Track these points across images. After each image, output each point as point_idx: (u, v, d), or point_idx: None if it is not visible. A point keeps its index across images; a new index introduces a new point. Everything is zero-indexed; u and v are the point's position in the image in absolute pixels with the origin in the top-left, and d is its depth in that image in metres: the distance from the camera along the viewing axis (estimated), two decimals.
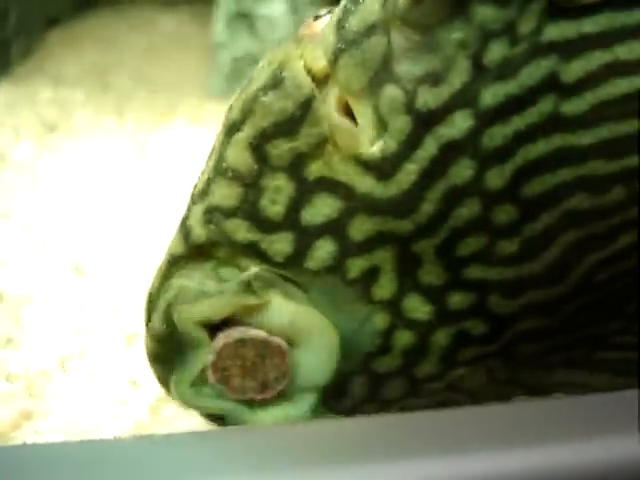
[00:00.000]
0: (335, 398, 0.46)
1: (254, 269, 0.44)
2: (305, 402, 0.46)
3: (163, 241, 0.63)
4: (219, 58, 0.90)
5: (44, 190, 0.74)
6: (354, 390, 0.47)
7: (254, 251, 0.45)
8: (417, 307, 0.46)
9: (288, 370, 0.44)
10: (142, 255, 0.66)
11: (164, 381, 0.45)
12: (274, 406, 0.45)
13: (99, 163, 0.78)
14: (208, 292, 0.44)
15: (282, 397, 0.45)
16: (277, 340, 0.43)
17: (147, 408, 0.49)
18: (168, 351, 0.44)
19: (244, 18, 0.87)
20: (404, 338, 0.46)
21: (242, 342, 0.43)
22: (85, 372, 0.53)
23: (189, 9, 1.09)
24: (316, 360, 0.45)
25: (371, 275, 0.45)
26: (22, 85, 0.97)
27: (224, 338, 0.43)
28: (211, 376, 0.43)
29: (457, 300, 0.46)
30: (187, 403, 0.43)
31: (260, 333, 0.43)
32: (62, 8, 1.09)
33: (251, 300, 0.44)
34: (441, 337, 0.47)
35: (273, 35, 0.89)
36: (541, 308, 0.47)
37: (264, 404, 0.45)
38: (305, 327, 0.45)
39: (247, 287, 0.44)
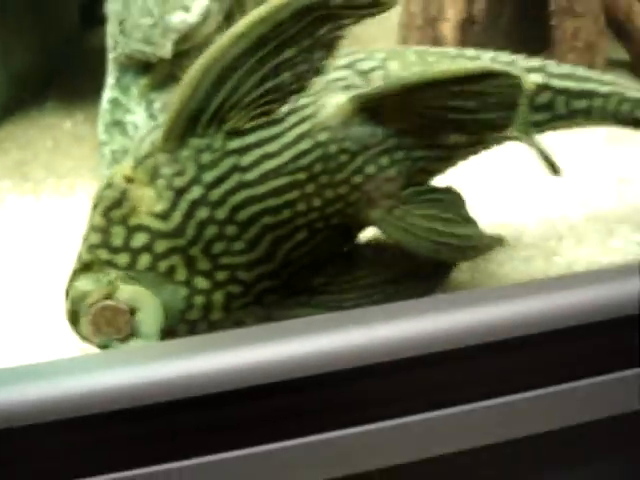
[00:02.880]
0: (176, 331, 0.71)
1: (114, 273, 0.71)
2: (150, 340, 0.69)
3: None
4: (103, 152, 1.14)
5: None
6: (184, 327, 0.72)
7: (110, 264, 0.71)
8: (200, 282, 0.70)
9: (129, 320, 0.70)
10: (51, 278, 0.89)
11: (74, 329, 0.73)
12: (133, 341, 0.70)
13: (26, 231, 1.03)
14: (92, 289, 0.71)
15: (135, 337, 0.70)
16: (121, 305, 0.70)
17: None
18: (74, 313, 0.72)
19: (118, 124, 1.13)
20: (199, 299, 0.71)
21: (104, 308, 0.70)
22: None
23: (83, 114, 1.28)
24: (151, 318, 0.70)
25: (172, 269, 0.70)
26: None
27: (94, 308, 0.70)
28: (89, 327, 0.71)
29: (220, 276, 0.71)
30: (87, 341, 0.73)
31: (112, 302, 0.70)
32: None
33: (110, 289, 0.71)
34: (218, 296, 0.71)
35: (138, 133, 1.10)
36: (268, 275, 0.72)
37: (127, 340, 0.71)
38: (140, 300, 0.70)
39: (110, 282, 0.71)
